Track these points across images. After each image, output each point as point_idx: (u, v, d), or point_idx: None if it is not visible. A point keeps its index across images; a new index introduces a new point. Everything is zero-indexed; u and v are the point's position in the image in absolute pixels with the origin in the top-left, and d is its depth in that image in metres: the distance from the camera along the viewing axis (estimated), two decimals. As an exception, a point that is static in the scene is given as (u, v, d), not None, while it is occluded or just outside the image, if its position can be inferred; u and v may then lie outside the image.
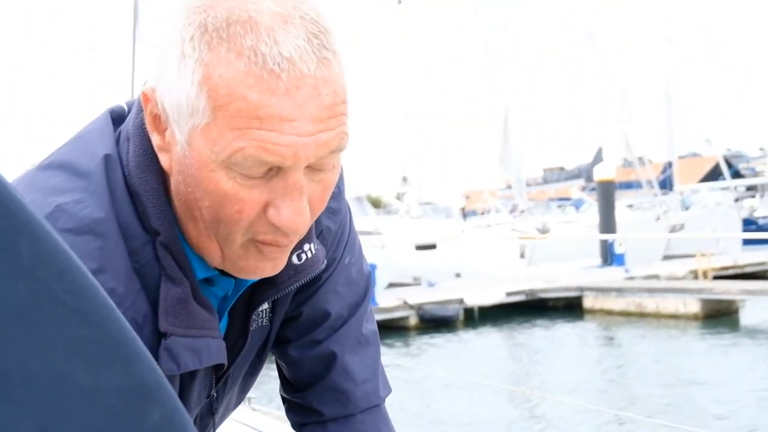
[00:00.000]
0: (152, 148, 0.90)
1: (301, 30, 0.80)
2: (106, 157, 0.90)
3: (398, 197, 31.08)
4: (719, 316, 17.44)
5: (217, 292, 0.99)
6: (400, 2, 30.76)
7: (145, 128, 0.90)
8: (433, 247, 23.99)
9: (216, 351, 0.96)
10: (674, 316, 17.76)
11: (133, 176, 0.90)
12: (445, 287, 20.65)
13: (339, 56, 0.83)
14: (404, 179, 31.83)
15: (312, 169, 0.84)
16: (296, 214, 0.83)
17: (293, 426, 1.20)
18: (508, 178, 34.16)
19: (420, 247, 23.68)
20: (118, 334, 0.66)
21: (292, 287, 1.02)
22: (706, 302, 17.65)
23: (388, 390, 1.20)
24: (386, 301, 18.06)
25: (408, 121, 34.14)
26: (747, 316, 17.95)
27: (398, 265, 21.70)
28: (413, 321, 18.11)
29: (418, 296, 18.95)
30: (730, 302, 17.94)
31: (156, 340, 0.90)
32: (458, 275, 23.36)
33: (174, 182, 0.89)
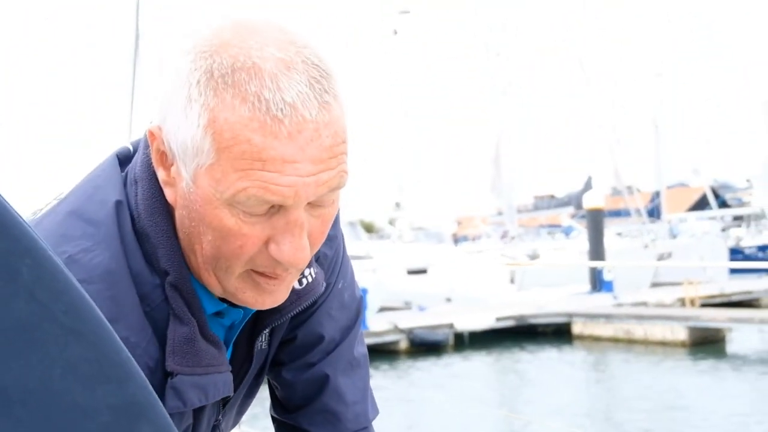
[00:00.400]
0: (160, 189, 0.92)
1: (304, 75, 0.83)
2: (116, 204, 0.92)
3: (391, 222, 31.23)
4: (706, 343, 17.52)
5: (225, 322, 1.01)
6: (396, 32, 31.07)
7: (153, 169, 0.93)
8: (424, 271, 24.07)
9: (222, 385, 0.99)
10: (662, 343, 17.84)
11: (142, 218, 0.92)
12: (436, 312, 20.68)
13: (340, 99, 0.86)
14: (397, 205, 32.00)
15: (312, 205, 0.87)
16: (297, 250, 0.86)
17: None
18: (499, 204, 34.35)
19: (411, 272, 23.74)
20: (113, 354, 0.68)
21: (295, 311, 1.04)
22: (693, 330, 17.74)
23: (376, 412, 1.23)
24: (377, 325, 18.07)
25: (402, 147, 34.38)
26: (734, 344, 18.05)
27: (389, 290, 21.74)
28: (404, 345, 18.12)
29: (409, 320, 18.97)
30: (717, 330, 18.03)
31: (165, 379, 0.92)
32: (449, 300, 23.39)
33: (178, 216, 0.91)
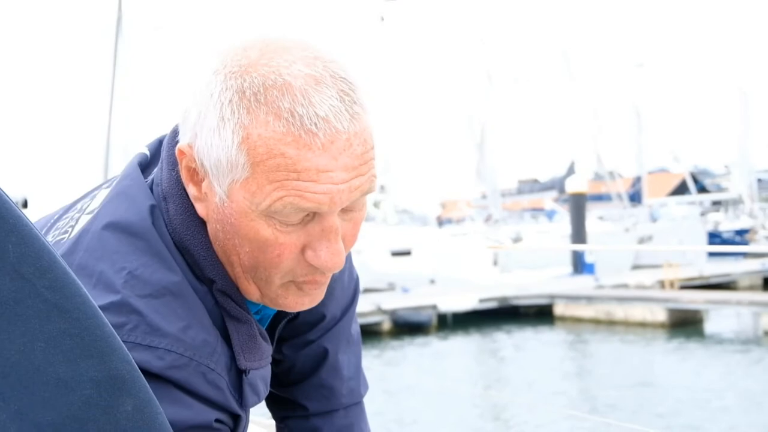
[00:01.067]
0: (192, 204, 0.94)
1: (333, 89, 0.85)
2: (152, 215, 0.94)
3: (376, 205, 31.34)
4: (685, 324, 17.85)
5: (256, 317, 1.05)
6: (383, 19, 31.08)
7: (182, 185, 0.94)
8: (408, 253, 24.26)
9: (269, 376, 1.04)
10: (642, 324, 18.16)
11: (178, 232, 0.93)
12: (419, 293, 20.85)
13: (367, 108, 0.88)
14: (381, 188, 32.12)
15: (344, 210, 0.89)
16: (334, 255, 0.88)
17: (275, 418, 1.26)
18: (483, 188, 34.59)
19: (395, 254, 23.91)
20: (96, 329, 0.69)
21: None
22: (672, 311, 18.07)
23: (367, 387, 1.27)
24: (361, 306, 18.04)
25: (387, 131, 34.46)
26: (711, 325, 18.41)
27: (374, 271, 21.90)
28: (387, 326, 18.26)
29: (393, 302, 19.09)
30: (696, 312, 18.37)
31: (238, 377, 0.96)
32: (432, 282, 23.60)
33: (212, 230, 0.93)
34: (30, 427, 0.65)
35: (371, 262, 21.93)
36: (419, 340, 17.67)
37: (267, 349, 1.00)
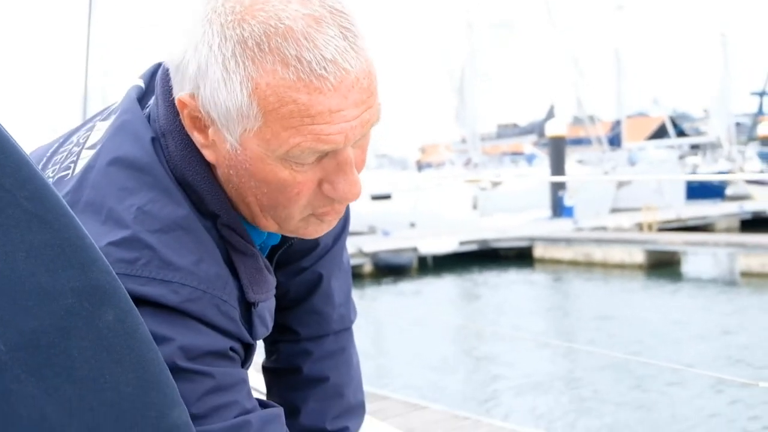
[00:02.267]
0: (191, 141, 0.94)
1: (334, 27, 0.84)
2: (155, 147, 0.94)
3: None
4: (662, 266, 18.11)
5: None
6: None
7: (180, 123, 0.94)
8: (388, 197, 24.29)
9: (273, 306, 1.05)
10: (620, 266, 18.38)
11: (179, 168, 0.93)
12: (400, 236, 20.93)
13: (366, 38, 0.88)
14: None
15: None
16: (352, 186, 0.90)
17: (265, 341, 1.26)
18: (463, 132, 34.49)
19: (375, 198, 23.94)
20: (77, 240, 0.69)
21: None
22: (650, 253, 18.30)
23: (356, 314, 1.30)
24: (341, 249, 18.28)
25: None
26: (688, 266, 18.71)
27: (354, 215, 21.84)
28: (368, 268, 18.39)
29: (373, 245, 19.18)
30: (673, 253, 18.63)
31: (247, 310, 0.97)
32: (413, 225, 23.71)
33: (223, 174, 0.93)
34: (14, 334, 0.65)
35: (352, 206, 21.87)
36: (400, 282, 17.80)
37: (272, 281, 1.01)
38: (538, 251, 20.00)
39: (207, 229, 0.93)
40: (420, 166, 37.42)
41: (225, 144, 0.89)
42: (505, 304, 15.17)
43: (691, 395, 8.66)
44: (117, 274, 0.77)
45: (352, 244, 18.96)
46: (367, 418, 2.29)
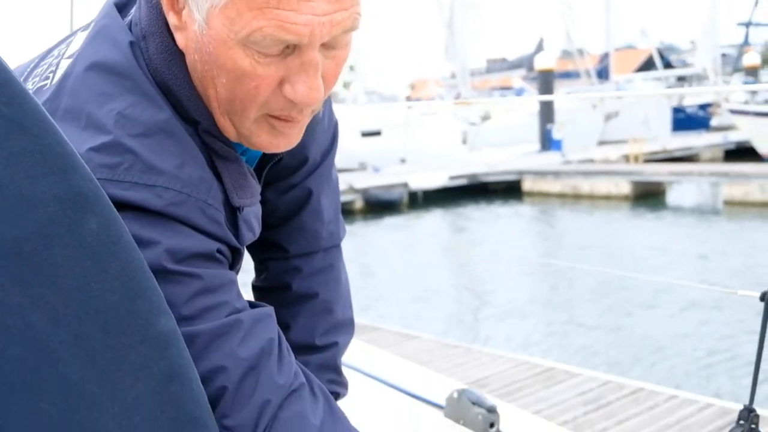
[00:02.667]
0: (174, 44, 0.91)
1: None
2: (133, 51, 0.91)
3: (345, 86, 31.16)
4: (648, 196, 18.48)
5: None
6: None
7: (162, 25, 0.91)
8: (378, 133, 24.42)
9: (259, 215, 1.04)
10: (606, 198, 18.74)
11: (160, 72, 0.91)
12: (390, 172, 21.13)
13: None
14: (351, 68, 31.85)
15: (326, 46, 0.87)
16: (312, 90, 0.86)
17: (255, 260, 1.26)
18: (452, 67, 34.42)
19: (365, 134, 24.05)
20: (57, 146, 0.68)
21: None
22: (636, 184, 18.65)
23: (345, 232, 1.28)
24: (333, 185, 18.44)
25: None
26: (673, 196, 19.09)
27: (344, 151, 21.76)
28: (359, 204, 18.62)
29: (364, 181, 19.38)
30: (659, 184, 18.98)
31: (233, 214, 0.95)
32: (403, 161, 23.90)
33: (190, 61, 0.91)
34: None
35: (342, 143, 21.77)
36: (391, 217, 18.09)
37: (257, 187, 0.99)
38: (527, 184, 20.30)
39: (189, 134, 0.91)
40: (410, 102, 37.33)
41: (194, 25, 0.87)
42: (494, 236, 15.52)
43: (666, 314, 9.10)
44: (99, 179, 0.77)
45: (342, 181, 19.08)
46: (362, 345, 2.57)
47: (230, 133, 0.93)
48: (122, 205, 0.81)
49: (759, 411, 1.36)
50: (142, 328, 0.74)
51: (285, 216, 1.19)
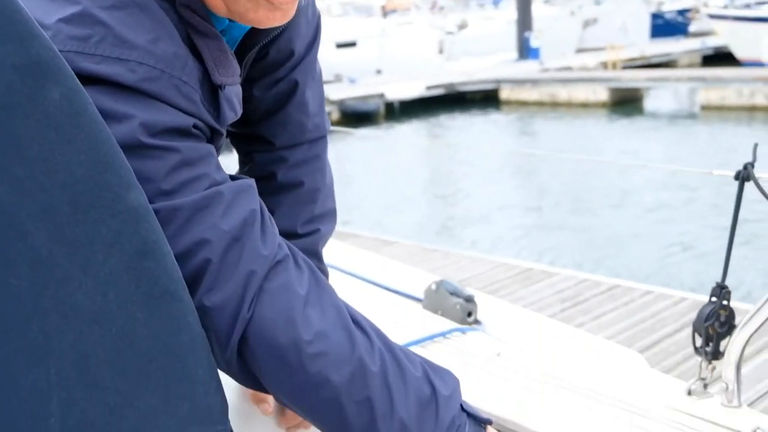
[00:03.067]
0: None
1: None
2: None
3: (317, -5, 30.41)
4: (625, 102, 18.46)
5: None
6: None
7: None
8: (353, 44, 24.00)
9: (240, 96, 1.02)
10: (584, 105, 18.69)
11: None
12: (366, 83, 20.84)
13: None
14: (323, -23, 31.06)
15: None
16: None
17: (240, 153, 1.26)
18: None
19: (340, 45, 23.64)
20: (11, 12, 0.65)
21: (281, 28, 1.03)
22: (614, 90, 18.58)
23: (330, 124, 1.30)
24: (308, 97, 18.26)
25: None
26: (650, 102, 19.10)
27: (319, 63, 21.69)
28: (335, 116, 18.40)
29: (340, 92, 19.14)
30: (636, 90, 18.94)
31: (213, 93, 0.93)
32: (379, 72, 23.59)
33: None
34: None
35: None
36: (368, 129, 17.97)
37: (237, 67, 0.97)
38: (504, 93, 20.16)
39: (165, 10, 0.87)
40: (385, 13, 36.63)
41: None
42: (473, 147, 15.50)
43: (631, 216, 9.24)
44: (69, 52, 0.76)
45: (319, 92, 18.93)
46: (342, 245, 2.56)
47: (220, 8, 0.91)
48: (94, 79, 0.79)
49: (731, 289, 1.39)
50: (112, 201, 0.73)
51: (270, 110, 1.19)
